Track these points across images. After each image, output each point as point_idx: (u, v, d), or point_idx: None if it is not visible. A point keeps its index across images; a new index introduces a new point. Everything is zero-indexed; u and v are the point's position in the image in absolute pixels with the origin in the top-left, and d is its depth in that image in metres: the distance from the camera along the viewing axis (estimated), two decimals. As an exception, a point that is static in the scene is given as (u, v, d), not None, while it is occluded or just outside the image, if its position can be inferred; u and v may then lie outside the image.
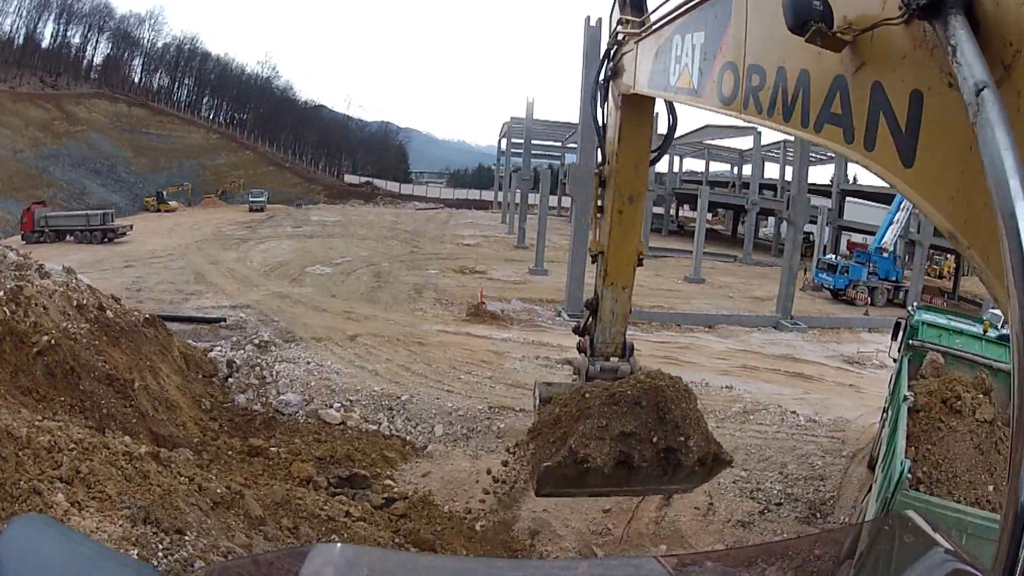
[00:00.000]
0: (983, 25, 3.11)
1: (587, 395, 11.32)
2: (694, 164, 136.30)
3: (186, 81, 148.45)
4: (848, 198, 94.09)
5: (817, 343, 45.60)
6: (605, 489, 11.87)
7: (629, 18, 10.55)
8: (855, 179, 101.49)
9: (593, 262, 12.72)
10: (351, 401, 26.36)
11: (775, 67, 5.17)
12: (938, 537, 2.85)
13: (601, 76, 11.63)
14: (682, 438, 10.86)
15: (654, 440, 10.76)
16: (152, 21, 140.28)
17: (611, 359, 12.74)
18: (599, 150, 12.12)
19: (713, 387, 31.61)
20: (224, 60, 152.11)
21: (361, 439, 24.28)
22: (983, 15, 3.12)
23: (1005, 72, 3.04)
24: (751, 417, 28.41)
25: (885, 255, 67.84)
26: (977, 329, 24.07)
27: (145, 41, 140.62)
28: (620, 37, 10.82)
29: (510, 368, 31.15)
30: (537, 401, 12.63)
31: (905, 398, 16.43)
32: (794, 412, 29.15)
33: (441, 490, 21.18)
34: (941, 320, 24.44)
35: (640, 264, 12.30)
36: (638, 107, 10.90)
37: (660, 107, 11.40)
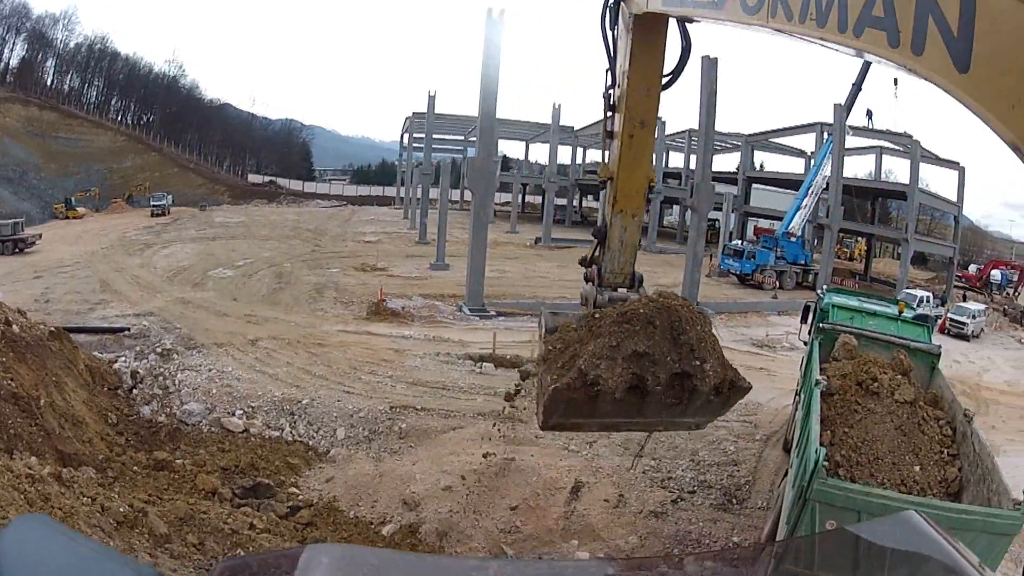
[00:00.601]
0: None
1: (597, 316, 10.83)
2: (597, 155, 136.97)
3: (95, 82, 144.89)
4: (754, 185, 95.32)
5: (724, 328, 45.22)
6: (615, 420, 11.24)
7: None
8: (762, 166, 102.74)
9: (601, 188, 12.23)
10: (253, 408, 25.85)
11: None
12: (940, 539, 2.82)
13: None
14: (698, 362, 10.24)
15: (668, 362, 10.14)
16: (66, 21, 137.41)
17: (619, 289, 12.17)
18: (607, 72, 11.54)
19: None
20: (133, 59, 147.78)
21: (264, 446, 23.88)
22: None
23: None
24: None
25: (793, 239, 68.84)
26: (892, 310, 24.17)
27: (58, 42, 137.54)
28: None
29: (411, 366, 30.85)
30: (543, 331, 12.05)
31: (817, 382, 16.11)
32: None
33: (346, 495, 20.72)
34: (852, 302, 24.76)
35: (651, 191, 12.03)
36: (650, 28, 10.45)
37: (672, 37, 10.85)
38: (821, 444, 13.37)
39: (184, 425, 24.82)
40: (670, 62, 10.69)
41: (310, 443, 24.40)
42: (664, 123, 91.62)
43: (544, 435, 23.31)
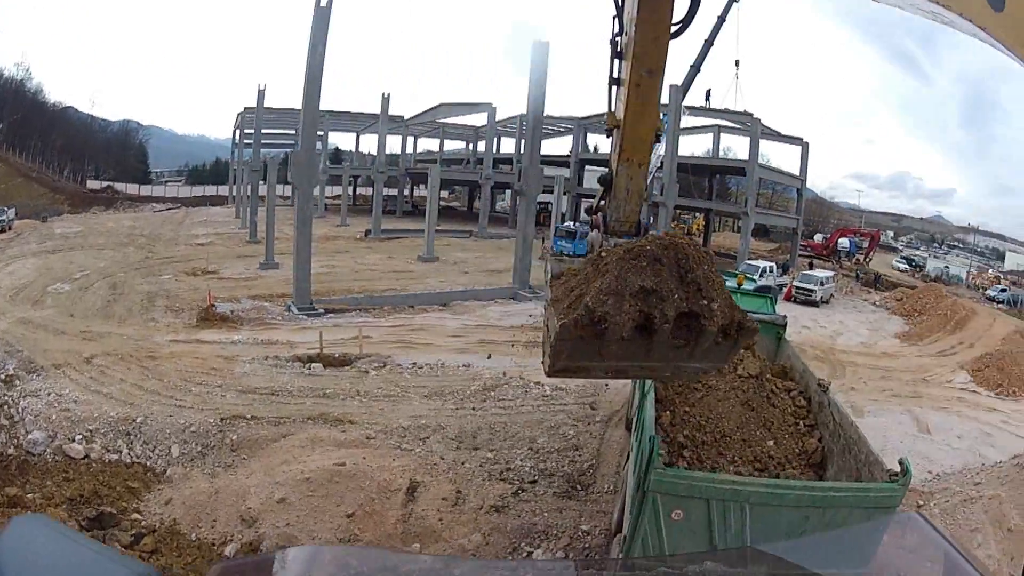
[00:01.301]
0: None
1: (603, 255, 10.28)
2: (430, 144, 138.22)
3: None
4: (588, 167, 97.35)
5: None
6: (622, 364, 10.56)
7: None
8: (596, 149, 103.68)
9: (608, 136, 11.94)
10: (91, 431, 24.58)
11: None
12: (942, 539, 2.87)
13: None
14: (705, 301, 9.87)
15: (676, 299, 9.79)
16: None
17: (624, 237, 11.67)
18: (614, 19, 11.30)
19: (450, 366, 31.39)
20: None
21: (105, 472, 22.76)
22: None
23: None
24: (492, 394, 28.15)
25: (627, 218, 68.61)
26: (730, 283, 24.32)
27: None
28: None
29: (240, 373, 29.95)
30: (549, 276, 11.55)
31: None
32: (538, 383, 29.02)
33: (185, 517, 19.90)
34: None
35: (658, 140, 11.92)
36: None
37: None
38: (660, 427, 13.64)
39: (31, 456, 23.66)
40: (679, 11, 10.52)
41: (147, 464, 23.37)
42: (495, 108, 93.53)
43: (375, 436, 23.54)
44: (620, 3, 11.11)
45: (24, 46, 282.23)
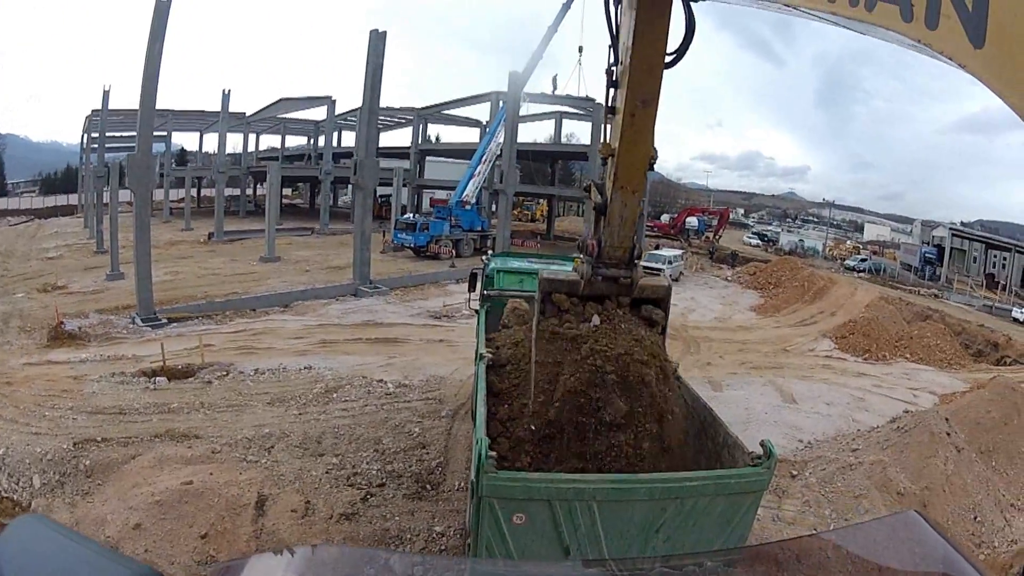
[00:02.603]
0: None
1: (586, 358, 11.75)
2: (272, 140, 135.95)
3: None
4: (428, 158, 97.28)
5: (400, 304, 45.96)
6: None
7: None
8: (438, 139, 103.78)
9: (603, 164, 12.10)
10: None
11: None
12: (941, 538, 2.92)
13: None
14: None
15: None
16: None
17: (611, 269, 12.30)
18: (611, 49, 11.53)
19: (291, 370, 30.93)
20: None
21: None
22: None
23: None
24: (334, 395, 27.86)
25: (468, 207, 70.42)
26: (567, 267, 24.44)
27: None
28: None
29: (89, 392, 28.59)
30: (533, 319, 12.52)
31: (482, 356, 15.30)
32: (381, 380, 28.91)
33: None
34: (523, 265, 24.76)
35: (651, 168, 11.78)
36: (654, 4, 10.19)
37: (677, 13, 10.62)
38: (499, 422, 12.91)
39: None
40: (674, 41, 10.52)
41: (14, 497, 22.11)
42: (334, 102, 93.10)
43: (220, 449, 23.10)
44: (616, 34, 11.32)
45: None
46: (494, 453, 10.58)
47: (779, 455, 11.58)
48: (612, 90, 11.49)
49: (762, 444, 11.01)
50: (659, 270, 57.82)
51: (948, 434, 23.41)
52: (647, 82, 10.56)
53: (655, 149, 11.43)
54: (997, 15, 3.43)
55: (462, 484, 20.58)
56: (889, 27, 4.19)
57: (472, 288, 25.16)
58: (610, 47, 11.49)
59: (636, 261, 12.27)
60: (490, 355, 15.52)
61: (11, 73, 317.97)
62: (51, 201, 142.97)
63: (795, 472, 21.75)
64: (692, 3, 10.37)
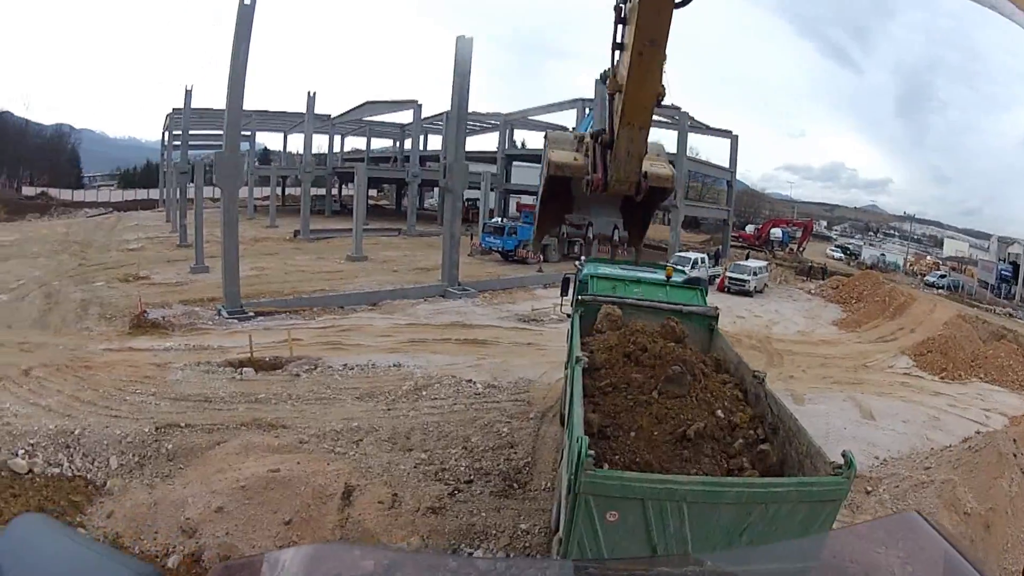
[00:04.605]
0: None
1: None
2: (358, 142, 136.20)
3: None
4: (515, 163, 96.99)
5: (489, 306, 46.01)
6: None
7: None
8: (523, 144, 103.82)
9: (610, 100, 12.07)
10: (32, 445, 23.83)
11: None
12: (941, 539, 2.86)
13: None
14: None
15: None
16: None
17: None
18: None
19: (380, 367, 31.17)
20: None
21: (49, 486, 22.30)
22: None
23: None
24: (424, 393, 28.01)
25: (555, 213, 68.72)
26: (659, 275, 24.26)
27: None
28: None
29: (173, 380, 29.28)
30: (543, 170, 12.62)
31: (578, 359, 15.56)
32: (470, 380, 29.06)
33: (127, 530, 19.49)
34: (615, 271, 24.74)
35: (659, 104, 11.63)
36: None
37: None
38: (591, 424, 13.12)
39: None
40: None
41: (88, 477, 22.69)
42: (420, 106, 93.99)
43: (308, 440, 23.41)
44: None
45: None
46: (593, 451, 10.73)
47: (856, 470, 11.34)
48: (620, 26, 11.32)
49: (843, 454, 11.08)
50: (744, 280, 58.39)
51: (1015, 455, 23.45)
52: (656, 22, 10.45)
53: (664, 86, 11.20)
54: None
55: (548, 484, 20.61)
56: None
57: (564, 293, 25.69)
58: None
59: (642, 192, 12.28)
60: (586, 358, 15.85)
61: (88, 70, 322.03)
62: (130, 195, 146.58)
63: (870, 488, 21.70)
64: None
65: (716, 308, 21.51)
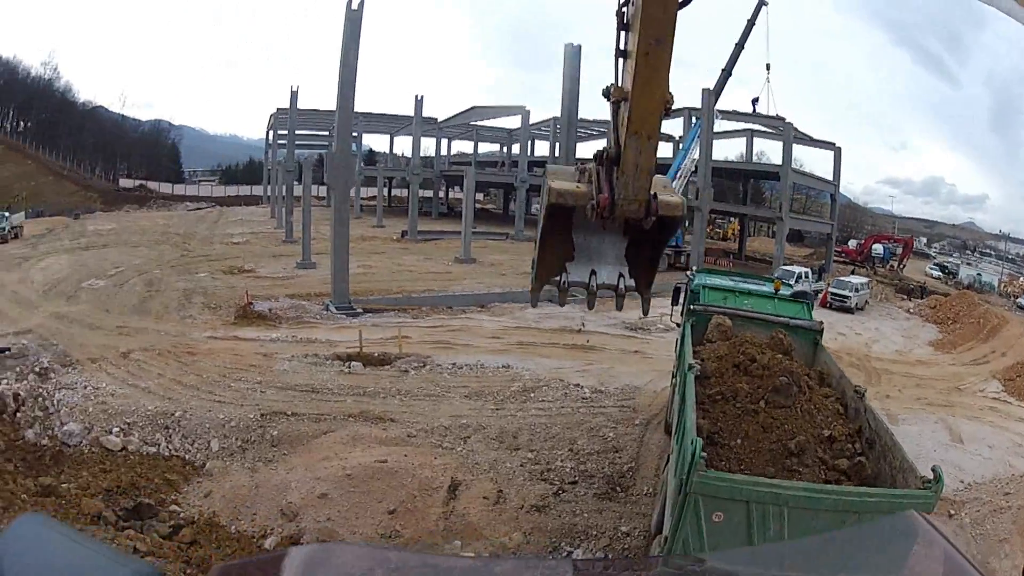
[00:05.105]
0: None
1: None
2: (463, 146, 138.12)
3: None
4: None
5: (596, 312, 44.80)
6: None
7: None
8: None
9: (614, 111, 11.45)
10: (129, 424, 24.85)
11: None
12: (941, 539, 2.79)
13: None
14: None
15: None
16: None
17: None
18: None
19: (489, 367, 31.52)
20: (12, 63, 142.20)
21: (143, 464, 23.07)
22: None
23: None
24: (532, 395, 28.30)
25: (664, 222, 68.54)
26: (768, 288, 24.30)
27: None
28: None
29: (279, 370, 30.21)
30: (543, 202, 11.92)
31: (691, 367, 15.91)
32: (578, 385, 29.22)
33: (225, 509, 20.10)
34: (726, 282, 24.84)
35: (667, 115, 11.05)
36: None
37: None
38: (700, 429, 13.30)
39: (66, 447, 23.97)
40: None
41: (186, 457, 23.61)
42: (528, 112, 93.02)
43: (416, 434, 23.82)
44: None
45: (51, 46, 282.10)
46: (705, 453, 11.24)
47: (944, 485, 11.77)
48: (623, 33, 10.99)
49: (933, 469, 11.52)
50: (846, 297, 57.67)
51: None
52: (661, 19, 10.16)
53: (671, 94, 10.83)
54: None
55: (650, 489, 20.79)
56: None
57: (675, 302, 25.79)
58: None
59: (651, 217, 11.24)
60: (698, 366, 16.23)
61: (187, 68, 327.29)
62: (232, 190, 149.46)
63: (952, 512, 21.67)
64: None
65: (821, 323, 21.78)
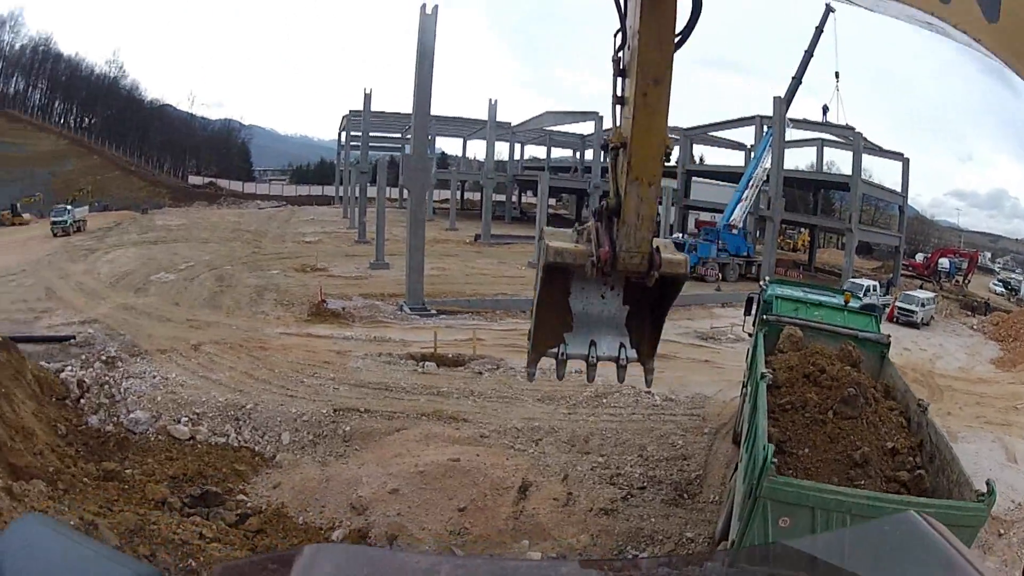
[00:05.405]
0: None
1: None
2: (536, 151, 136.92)
3: (39, 85, 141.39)
4: (695, 178, 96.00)
5: (668, 321, 44.92)
6: None
7: None
8: (702, 160, 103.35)
9: (613, 158, 10.67)
10: (198, 414, 25.38)
11: None
12: (941, 539, 2.82)
13: None
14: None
15: None
16: (12, 22, 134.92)
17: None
18: (615, 35, 10.36)
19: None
20: (75, 61, 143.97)
21: (211, 453, 23.52)
22: None
23: None
24: (604, 400, 28.20)
25: (734, 231, 69.43)
26: (838, 300, 24.29)
27: (4, 44, 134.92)
28: None
29: (353, 367, 30.59)
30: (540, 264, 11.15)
31: (763, 375, 16.20)
32: (649, 392, 28.89)
33: (293, 501, 20.50)
34: (797, 293, 24.84)
35: (667, 159, 10.23)
36: None
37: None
38: (769, 439, 13.34)
39: (131, 434, 24.36)
40: (681, 22, 10.22)
41: (256, 449, 24.09)
42: (601, 118, 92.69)
43: (488, 435, 24.00)
44: (623, 15, 10.37)
45: (116, 45, 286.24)
46: (775, 460, 11.61)
47: (996, 499, 12.11)
48: (620, 79, 10.48)
49: (987, 483, 11.89)
50: (912, 311, 56.80)
51: None
52: (658, 59, 9.82)
53: (670, 140, 10.61)
54: None
55: (716, 497, 20.97)
56: (907, 1, 4.20)
57: (748, 312, 25.92)
58: (615, 33, 10.45)
59: (654, 272, 10.23)
60: (771, 375, 16.62)
61: (257, 69, 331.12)
62: (303, 190, 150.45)
63: (1002, 531, 21.58)
64: None
65: (888, 336, 21.80)
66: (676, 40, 9.87)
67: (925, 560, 2.79)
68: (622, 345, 11.21)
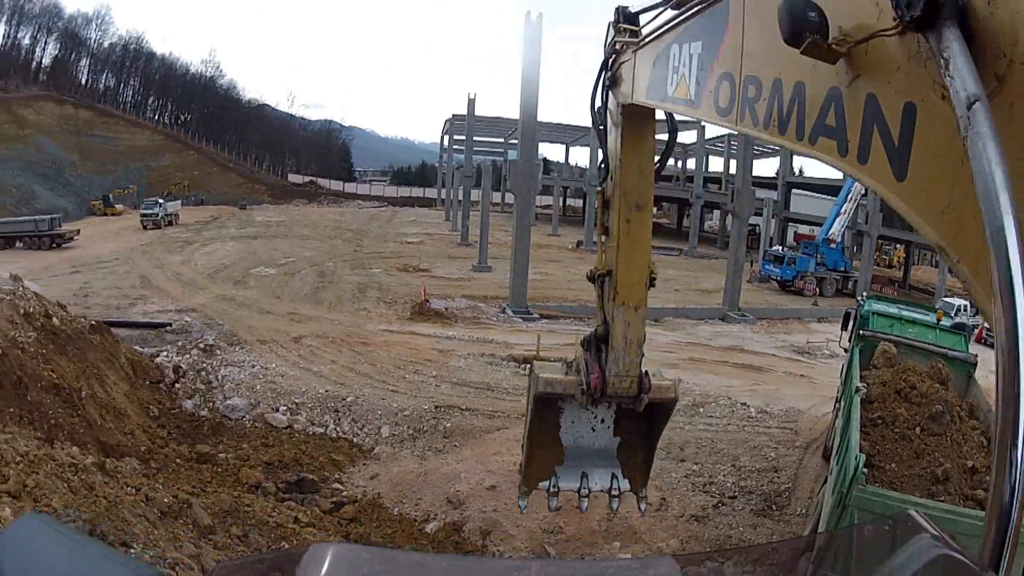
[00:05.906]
0: (976, 36, 2.98)
1: None
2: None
3: (131, 82, 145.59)
4: (794, 190, 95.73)
5: (765, 334, 45.84)
6: None
7: (626, 27, 10.03)
8: (801, 171, 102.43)
9: (599, 286, 11.48)
10: (297, 404, 26.08)
11: (771, 79, 5.04)
12: (938, 534, 2.81)
13: (598, 91, 10.98)
14: None
15: None
16: (99, 21, 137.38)
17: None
18: (602, 167, 11.30)
19: None
20: (169, 60, 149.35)
21: (308, 442, 24.11)
22: (977, 25, 2.99)
23: (998, 84, 2.92)
24: (701, 410, 28.44)
25: (833, 246, 68.67)
26: (930, 318, 24.22)
27: (92, 41, 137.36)
28: (617, 47, 10.26)
29: (455, 367, 31.02)
30: (531, 395, 11.64)
31: (858, 389, 16.31)
32: (744, 404, 29.29)
33: (390, 492, 20.93)
34: (892, 310, 24.80)
35: (652, 285, 11.12)
36: (638, 116, 10.26)
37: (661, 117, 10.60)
38: (860, 451, 13.41)
39: (227, 420, 25.06)
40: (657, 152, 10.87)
41: (354, 440, 24.61)
42: (703, 127, 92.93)
43: None
44: (605, 147, 11.19)
45: (212, 45, 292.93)
46: (865, 470, 11.79)
47: None
48: (605, 211, 11.26)
49: None
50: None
51: None
52: (639, 186, 10.50)
53: (655, 264, 10.84)
54: (917, 152, 3.59)
55: (804, 510, 21.11)
56: (828, 159, 4.44)
57: (845, 327, 25.83)
58: (599, 164, 11.40)
59: (643, 395, 11.15)
60: (865, 389, 16.85)
61: (361, 73, 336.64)
62: (404, 192, 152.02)
63: None
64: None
65: (975, 356, 21.86)
66: (655, 167, 10.82)
67: (924, 560, 2.83)
68: (614, 476, 12.21)
